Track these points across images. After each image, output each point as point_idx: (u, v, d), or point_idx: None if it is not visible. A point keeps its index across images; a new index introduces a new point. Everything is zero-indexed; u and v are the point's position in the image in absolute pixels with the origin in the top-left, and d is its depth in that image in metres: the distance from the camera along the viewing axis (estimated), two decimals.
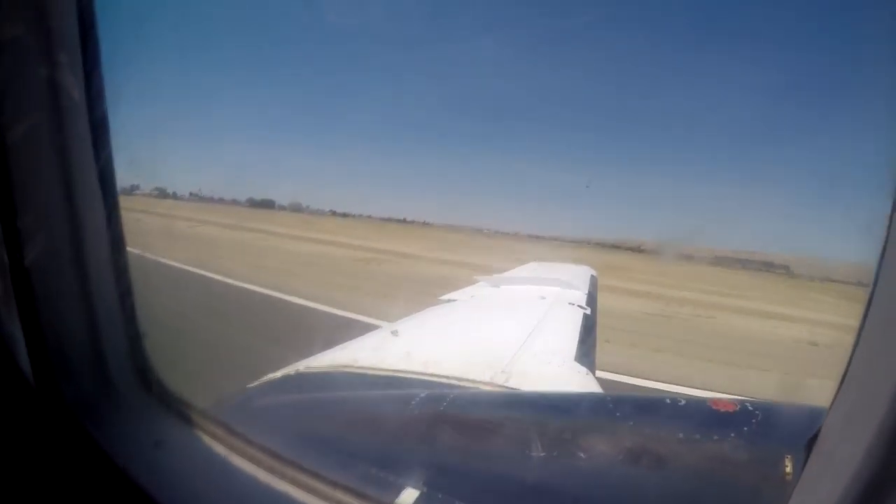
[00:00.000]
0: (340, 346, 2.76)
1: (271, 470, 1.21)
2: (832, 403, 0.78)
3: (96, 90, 1.25)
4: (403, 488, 1.32)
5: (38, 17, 1.12)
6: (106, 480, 1.22)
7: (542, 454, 1.46)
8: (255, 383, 2.19)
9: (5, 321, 1.77)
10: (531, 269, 7.13)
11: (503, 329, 3.44)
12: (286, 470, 1.21)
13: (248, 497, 1.17)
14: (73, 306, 1.30)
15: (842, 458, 0.71)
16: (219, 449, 1.30)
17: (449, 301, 4.48)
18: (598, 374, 2.78)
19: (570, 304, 4.28)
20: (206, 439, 1.34)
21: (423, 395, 1.83)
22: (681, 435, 1.40)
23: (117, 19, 1.36)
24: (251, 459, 1.25)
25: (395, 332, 3.13)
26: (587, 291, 4.98)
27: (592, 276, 6.04)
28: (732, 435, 1.35)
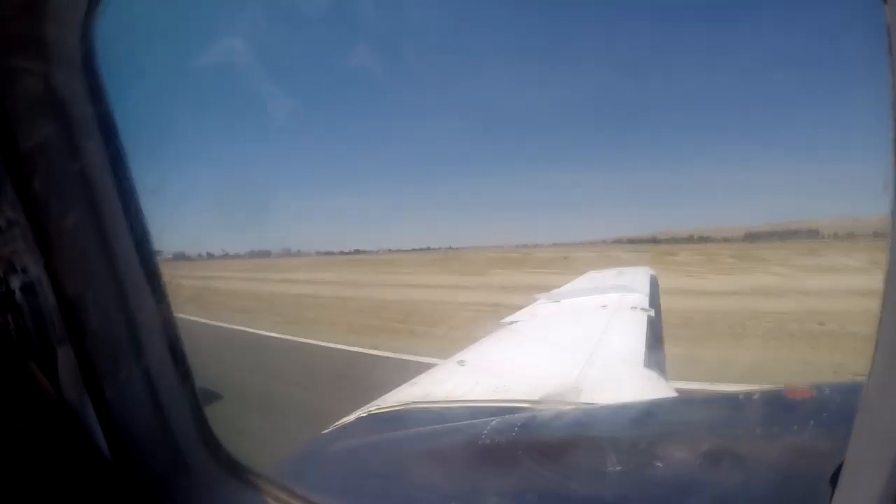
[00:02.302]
0: (409, 382, 2.80)
1: None
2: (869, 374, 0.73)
3: (123, 172, 1.35)
4: None
5: (56, 106, 1.23)
6: None
7: (620, 468, 1.45)
8: (328, 429, 2.24)
9: (83, 404, 1.91)
10: (588, 278, 7.04)
11: (568, 344, 3.42)
12: None
13: None
14: (139, 388, 1.40)
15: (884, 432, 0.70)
16: None
17: (511, 323, 4.48)
18: None
19: (632, 308, 4.21)
20: (273, 501, 1.38)
21: (494, 422, 1.84)
22: (759, 430, 1.37)
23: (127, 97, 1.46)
24: None
25: (461, 362, 3.16)
26: (648, 293, 4.89)
27: (651, 276, 5.92)
28: (812, 423, 1.31)
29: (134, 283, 1.37)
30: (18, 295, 2.11)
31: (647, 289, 5.14)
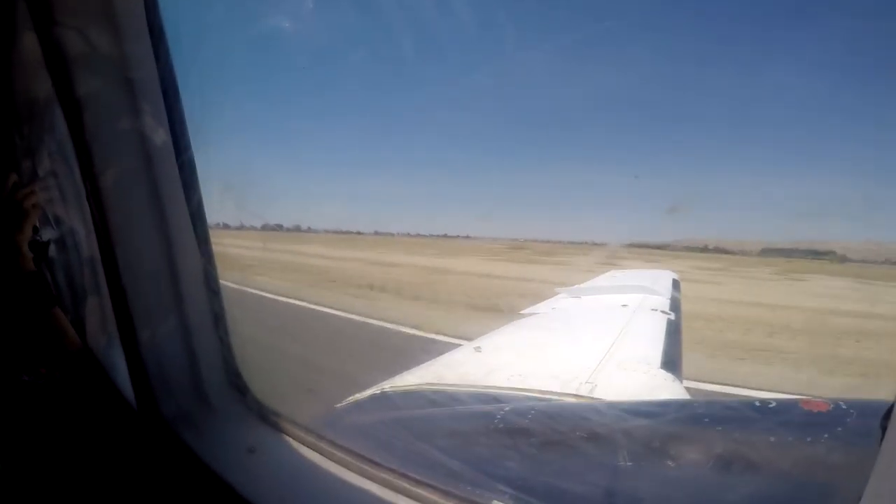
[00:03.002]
0: (424, 364, 2.84)
1: (359, 472, 1.27)
2: None
3: (180, 133, 1.40)
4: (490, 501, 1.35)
5: (121, 69, 1.27)
6: (203, 485, 1.32)
7: (630, 464, 1.47)
8: (341, 404, 2.29)
9: (108, 349, 1.99)
10: (611, 277, 7.01)
11: (586, 339, 3.42)
12: (374, 471, 1.26)
13: (339, 497, 1.22)
14: (170, 327, 1.45)
15: None
16: (309, 453, 1.38)
17: (530, 314, 4.50)
18: None
19: (652, 309, 4.20)
20: (297, 444, 1.41)
21: (507, 408, 1.87)
22: (772, 438, 1.38)
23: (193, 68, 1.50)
24: (340, 462, 1.31)
25: (478, 349, 3.19)
26: (669, 296, 4.87)
27: (674, 280, 5.89)
28: (826, 436, 1.32)
29: (179, 230, 1.42)
30: (52, 245, 2.19)
31: (669, 292, 5.11)
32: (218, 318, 1.53)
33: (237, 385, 1.57)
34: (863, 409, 1.37)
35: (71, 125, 1.29)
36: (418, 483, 1.21)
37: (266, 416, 1.54)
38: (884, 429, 0.73)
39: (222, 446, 1.40)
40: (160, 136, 1.34)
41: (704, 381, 6.24)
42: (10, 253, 1.64)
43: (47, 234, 2.15)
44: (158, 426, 1.45)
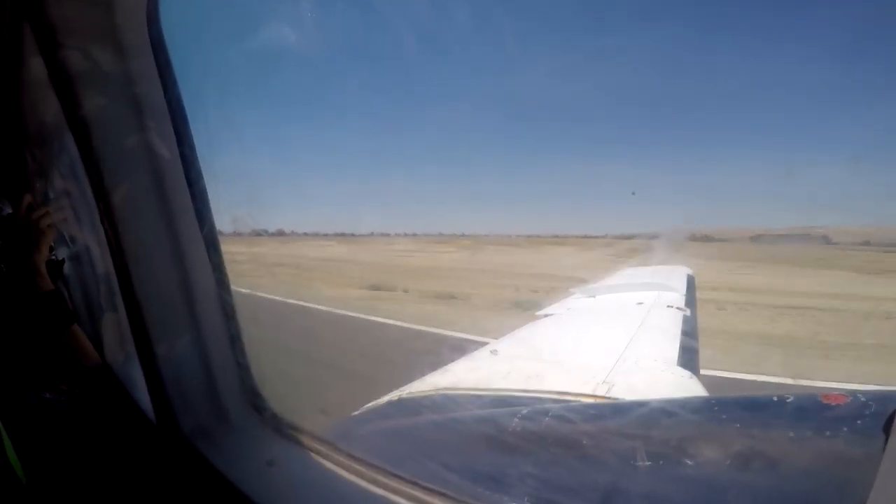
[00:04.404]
0: (441, 369, 2.84)
1: (379, 483, 1.27)
2: None
3: (187, 146, 1.42)
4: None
5: (126, 86, 1.30)
6: (223, 498, 1.33)
7: (649, 463, 1.46)
8: (358, 411, 2.30)
9: (126, 365, 2.02)
10: (625, 275, 6.98)
11: (602, 339, 3.41)
12: (393, 482, 1.26)
13: None
14: (186, 343, 1.47)
15: None
16: (328, 465, 1.38)
17: (546, 315, 4.49)
18: None
19: (668, 306, 4.18)
20: (317, 457, 1.42)
21: (524, 411, 1.87)
22: (791, 434, 1.37)
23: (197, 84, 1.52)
24: (359, 475, 1.32)
25: (494, 352, 3.19)
26: (684, 292, 4.84)
27: (689, 275, 5.84)
28: (845, 429, 1.31)
29: (191, 246, 1.44)
30: (67, 263, 2.23)
31: (683, 288, 5.08)
32: (233, 334, 1.54)
33: (254, 400, 1.59)
34: (882, 399, 1.36)
35: (80, 145, 1.32)
36: (436, 494, 1.21)
37: (284, 430, 1.55)
38: (887, 432, 0.73)
39: (242, 460, 1.42)
40: (168, 151, 1.37)
41: None
42: (28, 273, 1.67)
43: (63, 253, 2.18)
44: (178, 441, 1.47)
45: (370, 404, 2.36)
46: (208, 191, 1.48)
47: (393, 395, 2.45)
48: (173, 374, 1.45)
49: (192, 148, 1.43)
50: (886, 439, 0.73)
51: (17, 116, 2.11)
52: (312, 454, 1.44)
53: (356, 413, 2.30)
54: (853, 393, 1.44)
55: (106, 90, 1.27)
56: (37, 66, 1.65)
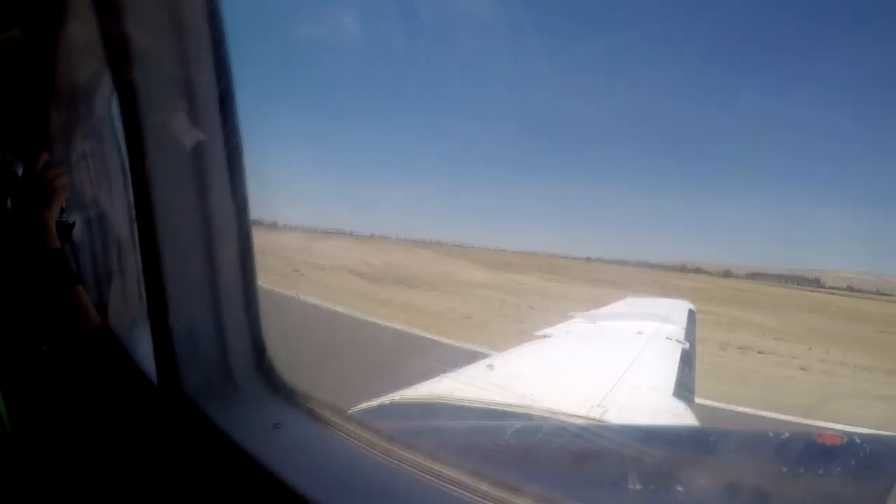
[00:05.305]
0: (436, 378, 2.85)
1: (386, 453, 1.26)
2: None
3: (230, 126, 1.43)
4: None
5: (178, 65, 1.33)
6: (227, 459, 1.33)
7: (639, 487, 1.46)
8: (351, 410, 2.30)
9: (129, 329, 2.03)
10: (626, 304, 6.99)
11: (599, 363, 3.42)
12: (397, 451, 1.25)
13: (363, 471, 1.22)
14: (202, 304, 1.47)
15: None
16: (335, 432, 1.38)
17: (544, 336, 4.50)
18: None
19: (667, 338, 4.18)
20: (323, 423, 1.42)
21: (518, 426, 1.87)
22: (784, 469, 1.38)
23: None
24: (367, 444, 1.30)
25: (490, 366, 3.19)
26: (684, 326, 4.84)
27: (690, 310, 5.85)
28: (839, 469, 1.31)
29: (222, 212, 1.45)
30: (78, 227, 2.24)
31: (684, 322, 5.08)
32: (249, 299, 1.54)
33: (263, 362, 1.58)
34: (876, 443, 1.37)
35: (125, 110, 1.34)
36: (440, 462, 1.20)
37: (291, 395, 1.55)
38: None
39: (248, 422, 1.41)
40: (211, 126, 1.39)
41: None
42: (37, 229, 1.68)
43: (75, 217, 2.20)
44: (181, 401, 1.47)
45: (364, 405, 2.37)
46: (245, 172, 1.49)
47: (386, 399, 2.46)
48: (184, 334, 1.45)
49: (235, 129, 1.44)
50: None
51: (48, 76, 2.13)
52: (319, 420, 1.43)
53: (350, 411, 2.31)
54: (849, 435, 1.45)
55: (157, 65, 1.30)
56: (81, 28, 1.68)
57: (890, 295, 17.85)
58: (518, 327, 10.92)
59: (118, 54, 1.30)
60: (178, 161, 1.37)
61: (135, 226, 1.49)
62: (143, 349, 1.61)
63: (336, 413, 1.45)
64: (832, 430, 1.50)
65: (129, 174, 1.42)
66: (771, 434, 1.54)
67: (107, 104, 2.19)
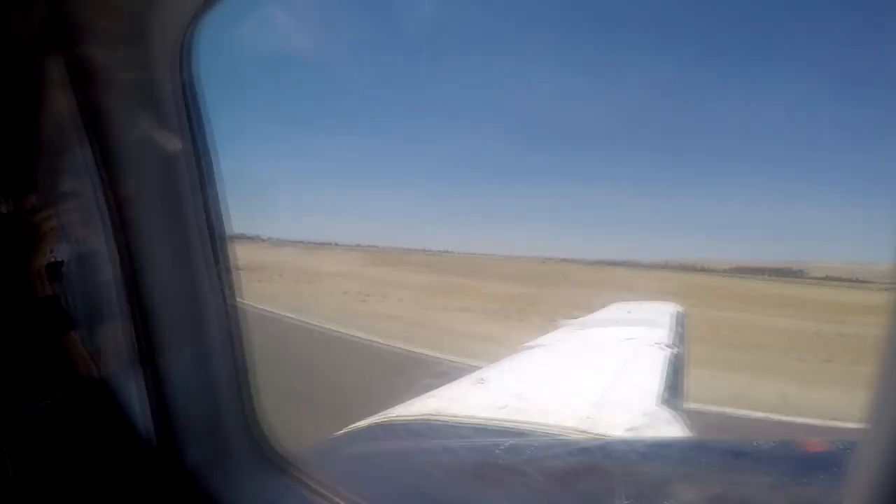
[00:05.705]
0: (427, 394, 2.84)
1: None
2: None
3: (205, 162, 1.43)
4: None
5: (150, 99, 1.33)
6: None
7: (628, 502, 1.46)
8: (341, 432, 2.28)
9: (122, 379, 1.99)
10: (615, 309, 6.98)
11: (588, 374, 3.41)
12: None
13: None
14: (196, 381, 1.47)
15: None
16: None
17: (534, 346, 4.49)
18: None
19: (656, 344, 4.18)
20: (318, 496, 1.42)
21: (507, 443, 1.87)
22: (768, 479, 1.38)
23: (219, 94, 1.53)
24: None
25: (480, 380, 3.19)
26: (674, 330, 4.85)
27: (679, 312, 5.86)
28: (822, 477, 1.32)
29: (202, 270, 1.44)
30: (67, 266, 2.20)
31: (673, 325, 5.09)
32: (240, 369, 1.53)
33: (260, 436, 1.57)
34: None
35: (95, 148, 1.33)
36: None
37: (288, 468, 1.54)
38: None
39: (245, 498, 1.41)
40: (185, 163, 1.38)
41: None
42: (26, 277, 1.65)
43: (64, 255, 2.16)
44: (179, 470, 1.45)
45: (353, 425, 2.35)
46: (221, 200, 1.49)
47: (377, 418, 2.45)
48: (180, 407, 1.44)
49: (208, 159, 1.44)
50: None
51: (29, 115, 2.12)
52: (315, 496, 1.43)
53: (339, 433, 2.29)
54: (833, 441, 1.46)
55: (125, 94, 1.30)
56: (56, 65, 1.67)
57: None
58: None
59: (84, 85, 1.29)
60: (154, 201, 1.37)
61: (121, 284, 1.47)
62: (138, 406, 1.59)
63: (332, 487, 1.45)
64: (817, 438, 1.51)
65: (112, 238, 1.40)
66: (756, 443, 1.55)
67: (86, 140, 2.18)
